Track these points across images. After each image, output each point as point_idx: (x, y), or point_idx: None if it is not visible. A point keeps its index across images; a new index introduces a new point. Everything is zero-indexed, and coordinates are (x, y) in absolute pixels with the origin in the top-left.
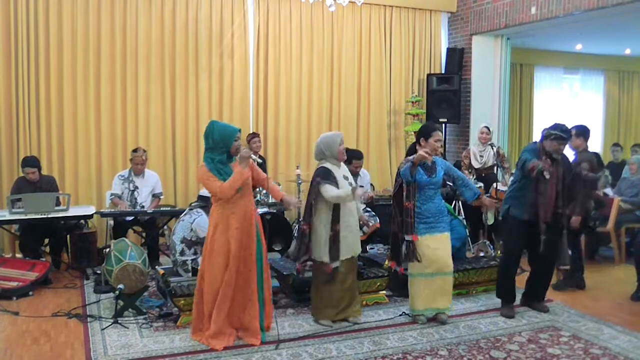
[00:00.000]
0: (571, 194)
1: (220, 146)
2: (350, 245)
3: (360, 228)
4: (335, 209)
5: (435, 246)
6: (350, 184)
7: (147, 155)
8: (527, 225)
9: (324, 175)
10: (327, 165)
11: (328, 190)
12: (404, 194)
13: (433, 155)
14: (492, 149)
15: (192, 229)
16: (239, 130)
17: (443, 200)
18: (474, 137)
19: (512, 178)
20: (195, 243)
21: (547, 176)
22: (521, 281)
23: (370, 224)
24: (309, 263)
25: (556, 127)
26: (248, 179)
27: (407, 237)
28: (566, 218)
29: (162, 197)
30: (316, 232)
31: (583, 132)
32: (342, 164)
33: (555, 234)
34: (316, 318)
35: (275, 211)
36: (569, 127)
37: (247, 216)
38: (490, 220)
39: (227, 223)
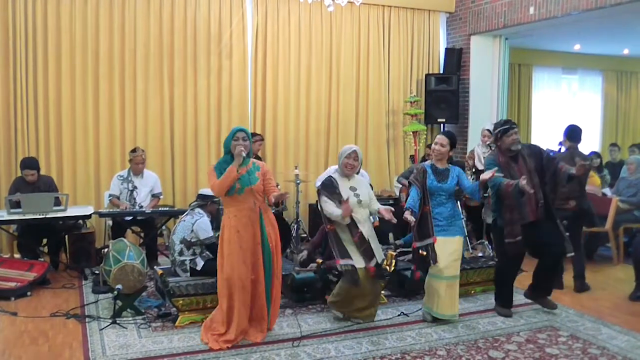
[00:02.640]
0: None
1: (225, 146)
2: (353, 255)
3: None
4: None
5: (447, 249)
6: (357, 195)
7: (146, 155)
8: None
9: (325, 187)
10: (336, 175)
11: (325, 204)
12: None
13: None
14: (491, 149)
15: (192, 230)
16: (239, 130)
17: (457, 206)
18: (472, 137)
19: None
20: (194, 244)
21: (530, 189)
22: (521, 281)
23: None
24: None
25: (497, 125)
26: (237, 179)
27: (428, 241)
28: (555, 208)
29: (161, 197)
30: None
31: (567, 132)
32: (357, 175)
33: (551, 226)
34: (330, 306)
35: (273, 212)
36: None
37: (251, 220)
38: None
39: (230, 225)
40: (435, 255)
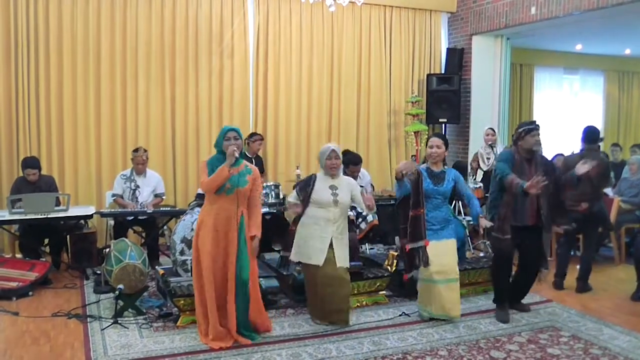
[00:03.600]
0: (556, 198)
1: (217, 145)
2: (312, 251)
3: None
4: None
5: (440, 253)
6: (335, 194)
7: (148, 155)
8: (514, 230)
9: (300, 183)
10: (320, 173)
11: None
12: (411, 201)
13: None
14: (492, 149)
15: (192, 229)
16: (230, 129)
17: (450, 210)
18: (474, 137)
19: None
20: None
21: (537, 190)
22: None
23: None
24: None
25: (522, 124)
26: (228, 179)
27: (419, 244)
28: (547, 220)
29: (164, 197)
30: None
31: (584, 133)
32: (342, 175)
33: (537, 237)
34: (311, 317)
35: (275, 211)
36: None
37: (230, 221)
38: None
39: (209, 223)
40: (427, 258)
